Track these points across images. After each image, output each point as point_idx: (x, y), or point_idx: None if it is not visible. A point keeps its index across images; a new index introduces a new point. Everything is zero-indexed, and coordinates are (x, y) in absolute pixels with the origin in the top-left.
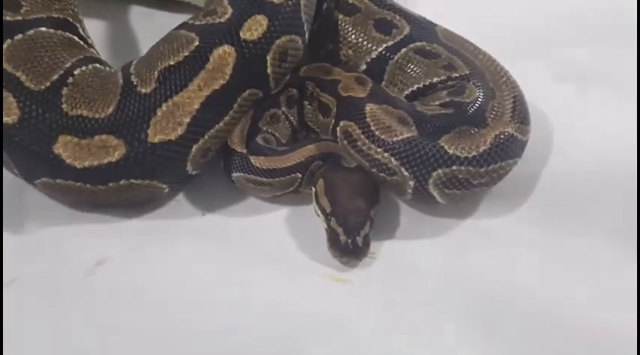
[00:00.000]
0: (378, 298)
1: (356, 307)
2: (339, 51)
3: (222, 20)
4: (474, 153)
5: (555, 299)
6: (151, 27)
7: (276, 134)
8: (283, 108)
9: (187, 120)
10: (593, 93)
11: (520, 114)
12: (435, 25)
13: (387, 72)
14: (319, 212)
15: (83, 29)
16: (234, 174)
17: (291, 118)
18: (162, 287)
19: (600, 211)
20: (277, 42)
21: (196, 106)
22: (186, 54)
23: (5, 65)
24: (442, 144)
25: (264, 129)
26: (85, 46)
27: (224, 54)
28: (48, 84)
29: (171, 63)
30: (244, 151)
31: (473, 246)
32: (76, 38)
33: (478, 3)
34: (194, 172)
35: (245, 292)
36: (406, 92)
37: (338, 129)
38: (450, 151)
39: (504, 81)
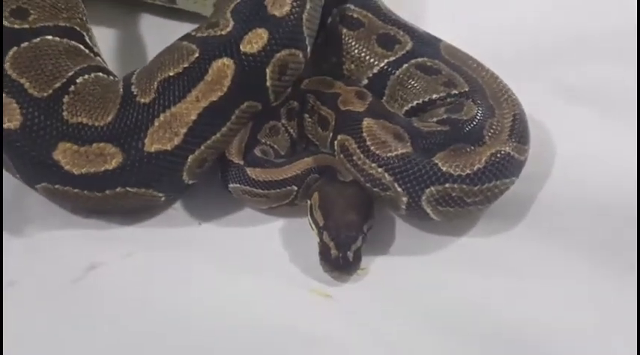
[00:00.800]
0: (365, 313)
1: (341, 321)
2: (342, 65)
3: (224, 33)
4: (467, 171)
5: (550, 320)
6: (160, 37)
7: (275, 146)
8: (283, 121)
9: (184, 130)
10: (596, 114)
11: (519, 133)
12: (440, 40)
13: (389, 87)
14: (313, 225)
15: (90, 37)
16: (231, 185)
17: (291, 131)
18: (155, 294)
19: (599, 233)
20: (277, 55)
21: (193, 117)
22: (186, 65)
23: (10, 71)
24: (436, 161)
25: (263, 141)
26: (91, 54)
27: (223, 66)
28: (50, 91)
29: (171, 74)
30: (241, 162)
31: (467, 264)
32: (81, 46)
33: (484, 21)
34: (190, 182)
35: (235, 302)
36: (406, 108)
37: (335, 142)
38: (444, 169)
39: (505, 98)
